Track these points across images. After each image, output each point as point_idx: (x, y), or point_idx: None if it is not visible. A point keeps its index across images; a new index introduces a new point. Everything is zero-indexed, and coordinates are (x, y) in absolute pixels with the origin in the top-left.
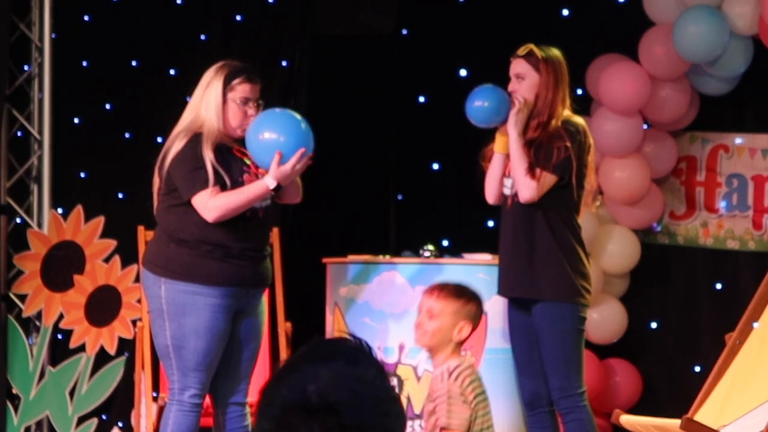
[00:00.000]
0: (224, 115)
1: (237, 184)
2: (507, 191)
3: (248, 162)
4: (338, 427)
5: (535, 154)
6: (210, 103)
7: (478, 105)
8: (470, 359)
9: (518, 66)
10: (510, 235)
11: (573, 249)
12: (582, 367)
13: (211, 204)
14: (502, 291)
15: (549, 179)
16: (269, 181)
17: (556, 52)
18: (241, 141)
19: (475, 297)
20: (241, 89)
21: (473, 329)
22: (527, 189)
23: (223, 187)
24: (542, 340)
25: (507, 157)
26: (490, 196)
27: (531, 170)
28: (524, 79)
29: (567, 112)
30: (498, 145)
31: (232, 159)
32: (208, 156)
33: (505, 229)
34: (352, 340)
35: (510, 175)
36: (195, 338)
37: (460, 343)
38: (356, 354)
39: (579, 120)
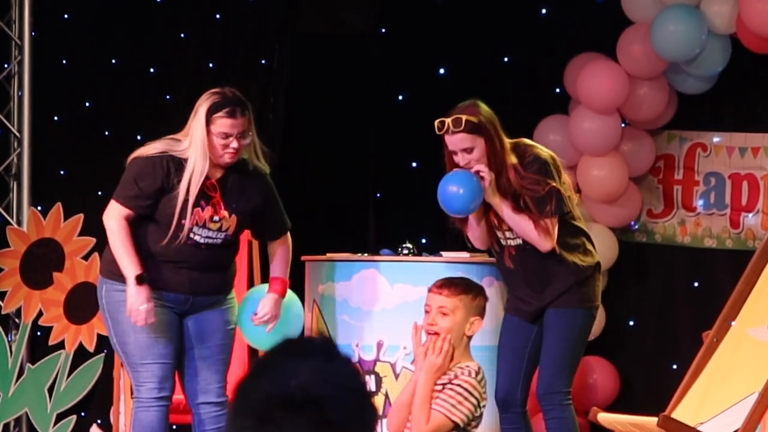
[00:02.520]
0: (209, 144)
1: (177, 225)
2: (508, 242)
3: (212, 197)
4: (323, 422)
5: (525, 204)
6: (196, 137)
7: (453, 191)
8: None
9: (461, 141)
10: (522, 271)
11: (586, 260)
12: (575, 370)
13: (109, 222)
14: (515, 313)
15: (555, 223)
16: (131, 290)
17: (484, 108)
18: (228, 169)
19: (482, 290)
20: (221, 124)
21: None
22: (545, 242)
23: (158, 217)
24: (548, 338)
25: (482, 210)
26: (481, 246)
27: (537, 225)
28: (473, 149)
29: (514, 141)
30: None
31: (199, 195)
32: (184, 188)
33: (523, 269)
34: (322, 337)
35: (506, 228)
36: (133, 333)
37: (470, 339)
38: (332, 351)
39: (544, 153)
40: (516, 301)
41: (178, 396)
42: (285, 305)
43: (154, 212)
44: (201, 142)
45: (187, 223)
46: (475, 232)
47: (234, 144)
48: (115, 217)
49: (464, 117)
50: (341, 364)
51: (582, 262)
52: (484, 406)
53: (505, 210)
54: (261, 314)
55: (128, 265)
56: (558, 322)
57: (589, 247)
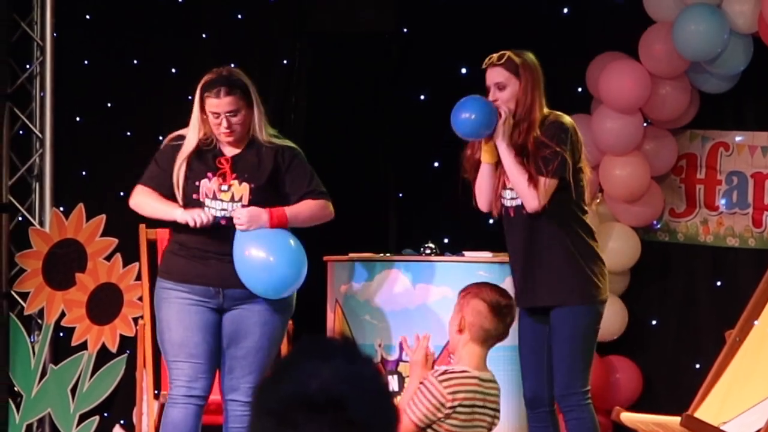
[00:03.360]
0: (210, 123)
1: (188, 197)
2: (507, 203)
3: (221, 168)
4: (345, 423)
5: (530, 162)
6: (192, 116)
7: (465, 117)
8: (488, 375)
9: (497, 75)
10: (521, 245)
11: (587, 247)
12: (590, 367)
13: (133, 199)
14: (522, 303)
15: (551, 185)
16: (178, 213)
17: (530, 56)
18: (246, 146)
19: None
20: (209, 104)
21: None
22: (533, 199)
23: (171, 192)
24: (557, 337)
25: (496, 166)
26: (484, 205)
27: (532, 180)
28: (506, 87)
29: (549, 111)
30: (485, 155)
31: (206, 168)
32: (177, 164)
33: (514, 239)
34: (343, 338)
35: (510, 187)
36: (167, 331)
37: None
38: (353, 351)
39: (566, 119)
40: (519, 288)
41: (216, 396)
42: (282, 244)
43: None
44: (194, 119)
45: (200, 197)
46: (482, 189)
47: (224, 123)
48: (136, 192)
49: (509, 54)
50: (362, 365)
51: (580, 254)
52: (453, 409)
53: (507, 155)
54: (236, 214)
55: (167, 206)
56: (563, 322)
57: (591, 242)
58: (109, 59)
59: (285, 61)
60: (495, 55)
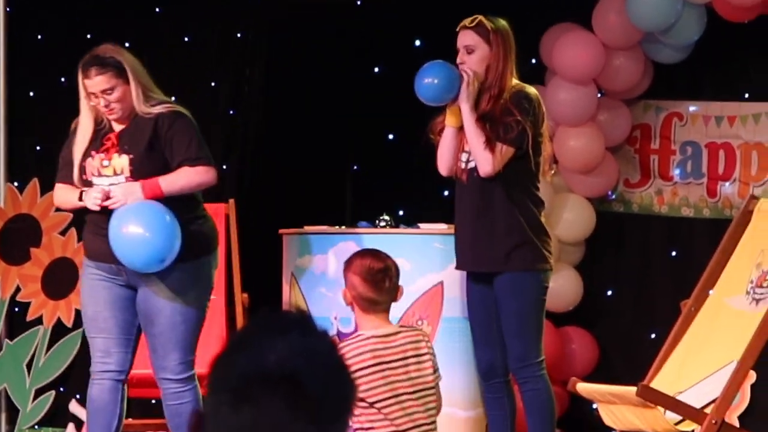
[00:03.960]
0: None
1: (81, 180)
2: (463, 165)
3: (104, 144)
4: (301, 397)
5: (491, 127)
6: (81, 100)
7: (428, 83)
8: (390, 329)
9: (467, 38)
10: (470, 209)
11: (535, 218)
12: (541, 337)
13: (54, 200)
14: (463, 266)
15: (507, 152)
16: (76, 200)
17: (503, 23)
18: (132, 120)
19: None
20: (85, 86)
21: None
22: (487, 163)
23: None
24: (503, 309)
25: (459, 130)
26: (444, 168)
27: (489, 144)
28: (474, 51)
29: (517, 82)
30: (449, 118)
31: (92, 148)
32: (75, 150)
33: (464, 204)
34: (298, 311)
35: (467, 150)
36: (83, 307)
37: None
38: (308, 325)
39: (531, 90)
40: (462, 251)
41: (142, 370)
42: (153, 215)
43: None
44: (82, 103)
45: (87, 176)
46: (444, 152)
47: (102, 102)
48: (54, 192)
49: (482, 18)
50: (317, 338)
51: (528, 224)
52: (365, 367)
53: (468, 117)
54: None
55: (70, 196)
56: (507, 289)
57: (540, 215)
58: (63, 34)
59: (239, 35)
60: (468, 19)
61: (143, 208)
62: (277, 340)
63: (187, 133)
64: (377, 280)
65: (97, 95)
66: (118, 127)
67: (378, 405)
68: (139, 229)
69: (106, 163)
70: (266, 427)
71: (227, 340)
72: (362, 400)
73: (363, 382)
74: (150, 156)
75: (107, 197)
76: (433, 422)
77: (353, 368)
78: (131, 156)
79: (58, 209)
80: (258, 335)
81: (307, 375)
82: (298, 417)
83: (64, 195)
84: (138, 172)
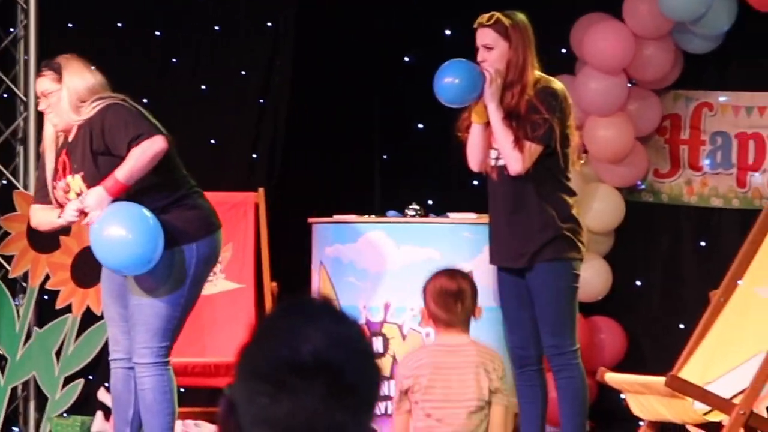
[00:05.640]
0: None
1: (58, 200)
2: (493, 162)
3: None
4: (339, 386)
5: (518, 125)
6: None
7: (449, 82)
8: (459, 339)
9: (486, 36)
10: (502, 206)
11: (567, 211)
12: (576, 325)
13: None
14: (497, 261)
15: (535, 150)
16: (60, 220)
17: (521, 17)
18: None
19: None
20: None
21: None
22: (516, 162)
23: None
24: (537, 298)
25: (486, 126)
26: (474, 164)
27: (517, 143)
28: (493, 48)
29: (540, 75)
30: (476, 115)
31: (55, 169)
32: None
33: (496, 201)
34: (322, 298)
35: (496, 147)
36: None
37: None
38: (337, 312)
39: (557, 84)
40: (496, 247)
41: (183, 359)
42: (129, 217)
43: None
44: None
45: (61, 204)
46: (472, 149)
47: (42, 104)
48: (30, 214)
49: (499, 15)
50: (350, 326)
51: (560, 218)
52: (414, 379)
53: (495, 116)
54: (82, 203)
55: (49, 217)
56: (540, 279)
57: (572, 207)
58: (94, 22)
59: (270, 24)
60: (485, 16)
61: (120, 212)
62: (310, 329)
63: (119, 119)
64: (449, 304)
65: (39, 97)
66: (72, 135)
67: (426, 409)
68: (122, 233)
69: (66, 188)
70: (304, 416)
71: (254, 328)
72: (415, 402)
73: (418, 387)
74: (98, 164)
75: (83, 212)
76: None
77: (412, 369)
78: (82, 173)
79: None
80: (289, 323)
81: (345, 364)
82: (337, 406)
83: (42, 216)
84: (95, 184)
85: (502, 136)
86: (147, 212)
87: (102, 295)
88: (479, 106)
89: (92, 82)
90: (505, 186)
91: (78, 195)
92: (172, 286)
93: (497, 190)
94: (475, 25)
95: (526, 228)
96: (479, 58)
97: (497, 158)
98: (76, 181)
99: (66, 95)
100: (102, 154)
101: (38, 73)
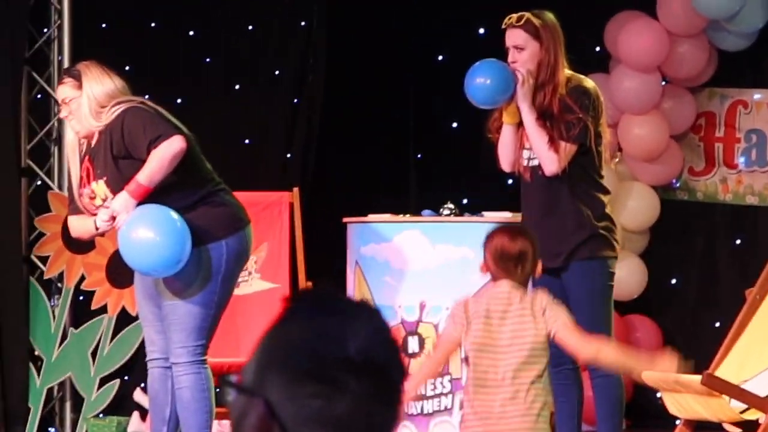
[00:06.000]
0: None
1: (87, 209)
2: (525, 162)
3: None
4: (387, 383)
5: (552, 125)
6: None
7: (480, 83)
8: (518, 291)
9: (516, 36)
10: (536, 207)
11: (602, 209)
12: (611, 324)
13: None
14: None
15: (570, 150)
16: (93, 227)
17: (550, 16)
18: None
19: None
20: None
21: None
22: (552, 162)
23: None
24: (573, 297)
25: (518, 126)
26: (506, 165)
27: (552, 143)
28: (524, 49)
29: (571, 73)
30: (507, 116)
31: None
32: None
33: (529, 201)
34: (344, 294)
35: (528, 147)
36: None
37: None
38: (370, 308)
39: (589, 83)
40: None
41: (219, 359)
42: (156, 219)
43: None
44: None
45: (91, 214)
46: (504, 149)
47: (63, 112)
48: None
49: (528, 15)
50: (383, 322)
51: (595, 217)
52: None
53: (529, 116)
54: (110, 210)
55: (85, 224)
56: (575, 278)
57: (606, 206)
58: (127, 22)
59: (303, 23)
60: (514, 16)
61: (146, 215)
62: (352, 326)
63: (137, 123)
64: (509, 267)
65: (60, 105)
66: (94, 141)
67: (470, 353)
68: (149, 235)
69: (92, 194)
70: (362, 414)
71: (278, 324)
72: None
73: (479, 324)
74: (120, 168)
75: (112, 217)
76: (527, 383)
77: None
78: (105, 178)
79: None
80: (328, 320)
81: (389, 360)
82: (388, 402)
83: (79, 226)
84: (119, 188)
85: (537, 136)
86: (174, 214)
87: (136, 296)
88: (511, 106)
89: (111, 87)
90: (538, 186)
91: (104, 201)
92: (203, 285)
93: (531, 190)
94: (504, 26)
95: (561, 228)
96: (510, 59)
97: (530, 158)
98: (100, 186)
99: (86, 102)
100: (123, 158)
101: (59, 80)
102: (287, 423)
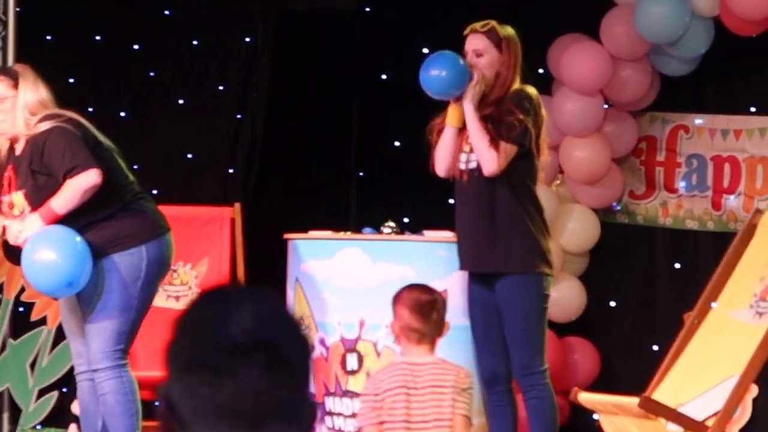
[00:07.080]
0: None
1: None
2: (463, 166)
3: (10, 183)
4: (278, 361)
5: (493, 127)
6: None
7: (436, 74)
8: (426, 358)
9: (478, 41)
10: (471, 209)
11: (537, 220)
12: (545, 345)
13: None
14: (465, 266)
15: (511, 150)
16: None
17: (512, 31)
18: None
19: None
20: None
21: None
22: (492, 161)
23: None
24: (506, 316)
25: (460, 130)
26: (441, 169)
27: (493, 142)
28: (483, 55)
29: (525, 86)
30: (451, 117)
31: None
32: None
33: (464, 204)
34: (237, 282)
35: (467, 150)
36: None
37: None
38: (258, 292)
39: (531, 89)
40: (464, 251)
41: (151, 372)
42: (59, 240)
43: None
44: None
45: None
46: (442, 153)
47: None
48: None
49: (494, 24)
50: (274, 302)
51: (531, 221)
52: (380, 396)
53: (472, 115)
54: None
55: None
56: (509, 293)
57: (541, 216)
58: (72, 35)
59: (248, 39)
60: (480, 23)
61: (50, 236)
62: (236, 311)
63: (58, 148)
64: (425, 312)
65: None
66: (18, 150)
67: (391, 426)
68: (50, 256)
69: (11, 204)
70: (250, 397)
71: (177, 324)
72: (381, 423)
73: (386, 404)
74: (39, 184)
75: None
76: None
77: (381, 388)
78: (24, 191)
79: None
80: (213, 311)
81: (278, 338)
82: (278, 381)
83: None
84: (37, 203)
85: (479, 136)
86: (75, 236)
87: (60, 310)
88: (456, 107)
89: (44, 95)
90: (475, 188)
91: (20, 213)
92: (123, 290)
93: (466, 193)
94: (467, 31)
95: (495, 230)
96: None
97: (468, 161)
98: (19, 198)
99: (20, 104)
100: (43, 175)
101: None
102: (187, 417)
